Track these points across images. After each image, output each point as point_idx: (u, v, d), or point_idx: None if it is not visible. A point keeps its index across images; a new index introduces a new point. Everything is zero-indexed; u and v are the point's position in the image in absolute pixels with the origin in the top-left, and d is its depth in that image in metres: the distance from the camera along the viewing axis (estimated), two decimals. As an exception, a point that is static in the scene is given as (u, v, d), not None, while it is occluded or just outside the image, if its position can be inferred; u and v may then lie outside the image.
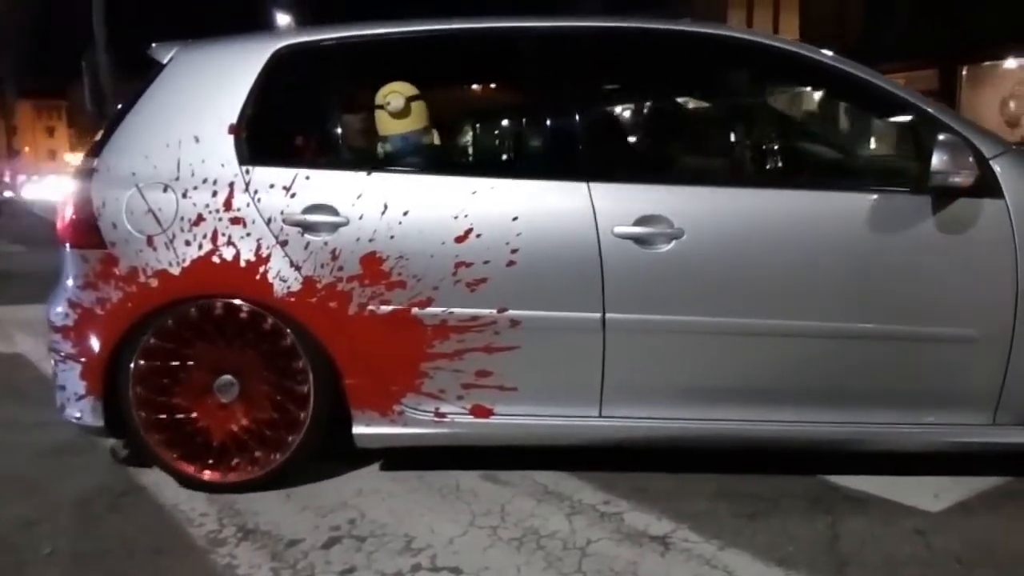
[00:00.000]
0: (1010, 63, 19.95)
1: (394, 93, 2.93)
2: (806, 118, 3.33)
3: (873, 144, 2.94)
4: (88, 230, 2.83)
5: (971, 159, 2.51)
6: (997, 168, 2.58)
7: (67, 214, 2.89)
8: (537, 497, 2.78)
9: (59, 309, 2.90)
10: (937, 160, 2.47)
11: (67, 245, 2.90)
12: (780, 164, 3.01)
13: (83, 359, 2.85)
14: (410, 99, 2.93)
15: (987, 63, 20.41)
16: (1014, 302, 2.56)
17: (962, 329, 2.61)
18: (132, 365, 2.81)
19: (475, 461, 2.98)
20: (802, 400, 2.71)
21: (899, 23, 21.65)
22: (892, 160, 2.84)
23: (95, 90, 14.47)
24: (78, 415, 2.91)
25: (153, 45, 3.06)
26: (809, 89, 3.15)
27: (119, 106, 3.02)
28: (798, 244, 2.63)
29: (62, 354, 2.90)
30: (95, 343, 2.82)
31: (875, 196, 2.62)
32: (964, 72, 20.58)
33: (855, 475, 2.85)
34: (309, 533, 2.57)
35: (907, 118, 2.70)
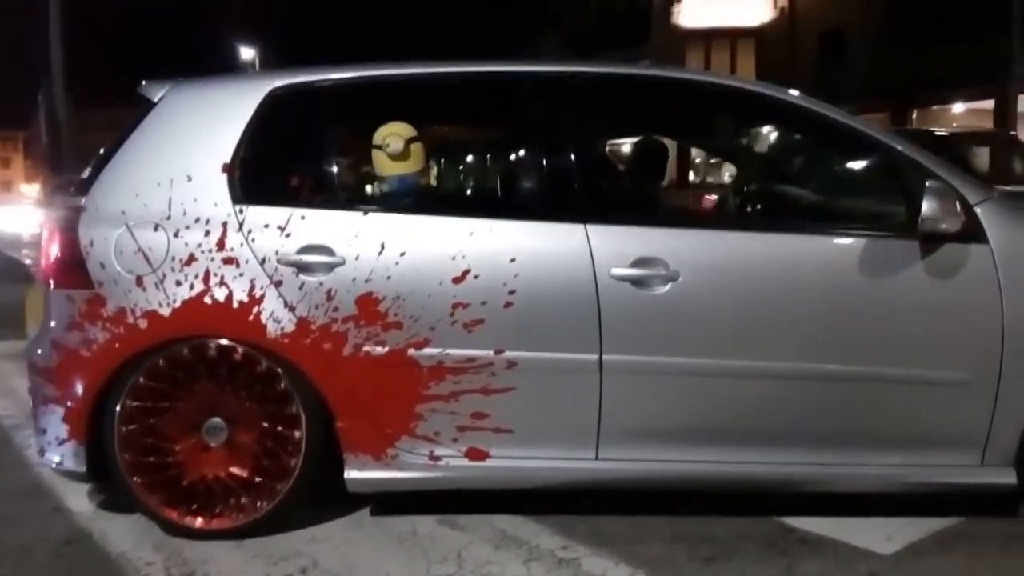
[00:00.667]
0: (958, 106, 20.69)
1: (393, 135, 2.93)
2: (796, 163, 3.39)
3: (858, 188, 3.00)
4: (74, 270, 2.77)
5: (959, 206, 2.58)
6: (981, 214, 2.65)
7: (52, 253, 2.83)
8: (495, 543, 2.74)
9: (41, 350, 2.83)
10: (927, 207, 2.54)
11: (51, 285, 2.84)
12: (772, 208, 3.06)
13: (66, 402, 2.77)
14: (409, 141, 2.93)
15: (936, 106, 21.12)
16: (1001, 344, 2.62)
17: (952, 371, 2.66)
18: (118, 408, 2.74)
19: (433, 505, 2.92)
20: (799, 441, 2.73)
21: (852, 66, 22.34)
22: (880, 205, 2.89)
23: (51, 122, 14.37)
24: (58, 460, 2.82)
25: (143, 83, 3.04)
26: (800, 135, 3.20)
27: (102, 150, 2.97)
28: (790, 287, 2.68)
29: (44, 397, 2.82)
30: (80, 386, 2.75)
31: (865, 240, 2.68)
32: (914, 115, 21.28)
33: (810, 516, 2.84)
34: (259, 583, 2.49)
35: (893, 163, 2.76)
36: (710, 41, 24.01)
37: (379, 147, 2.96)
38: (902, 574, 2.51)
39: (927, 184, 2.57)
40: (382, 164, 2.98)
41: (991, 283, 2.62)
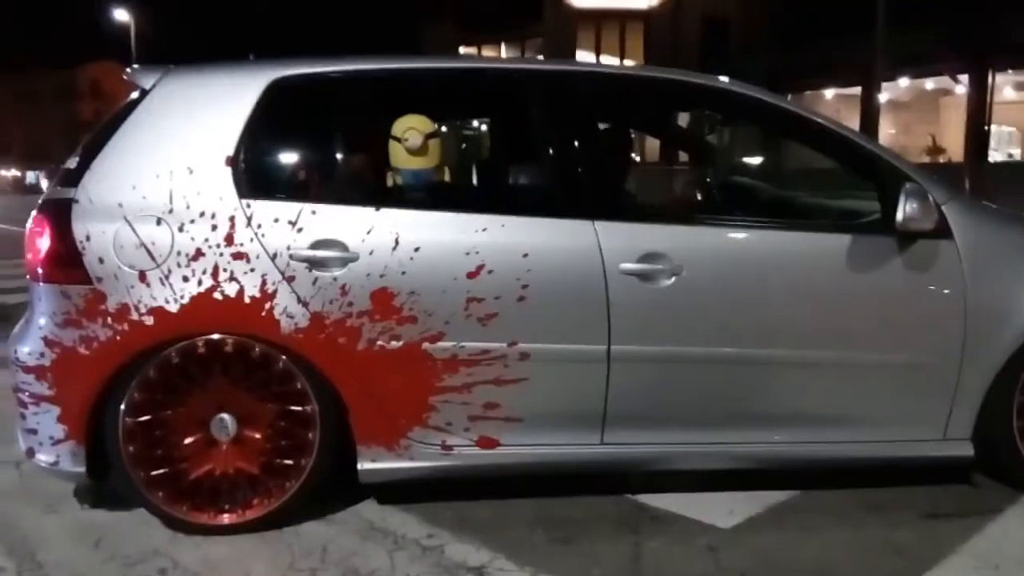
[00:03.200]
0: (828, 93, 22.02)
1: (412, 130, 2.93)
2: (790, 168, 3.63)
3: (839, 187, 3.25)
4: (70, 265, 2.66)
5: (933, 206, 2.83)
6: (947, 213, 2.92)
7: (42, 247, 2.70)
8: (362, 534, 2.76)
9: (30, 348, 2.71)
10: (908, 207, 2.78)
11: (40, 279, 2.71)
12: (767, 206, 3.24)
13: (63, 401, 2.67)
14: (428, 136, 2.94)
15: (809, 92, 22.39)
16: (963, 330, 2.90)
17: (925, 355, 2.93)
18: (123, 406, 2.67)
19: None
20: (792, 422, 2.94)
21: (730, 50, 23.31)
22: (859, 203, 3.13)
23: None
24: (53, 460, 2.73)
25: (128, 69, 2.92)
26: (792, 139, 3.42)
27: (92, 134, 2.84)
28: (784, 279, 2.87)
29: (34, 396, 2.70)
30: (79, 384, 2.65)
31: (848, 236, 2.90)
32: (789, 99, 22.42)
33: (664, 494, 3.02)
34: (114, 586, 2.45)
35: (872, 165, 2.98)
36: (600, 23, 24.46)
37: (398, 139, 2.95)
38: (737, 547, 2.67)
39: (905, 186, 2.81)
40: (398, 157, 2.98)
41: (957, 275, 2.90)
